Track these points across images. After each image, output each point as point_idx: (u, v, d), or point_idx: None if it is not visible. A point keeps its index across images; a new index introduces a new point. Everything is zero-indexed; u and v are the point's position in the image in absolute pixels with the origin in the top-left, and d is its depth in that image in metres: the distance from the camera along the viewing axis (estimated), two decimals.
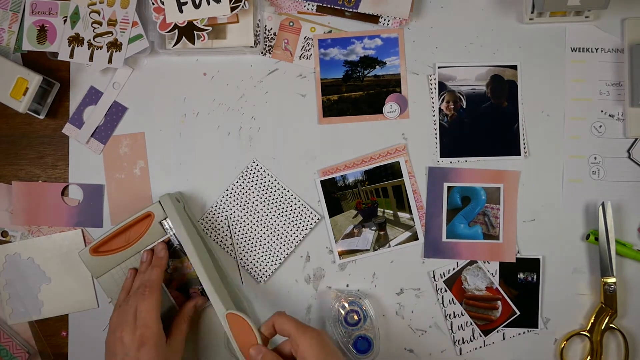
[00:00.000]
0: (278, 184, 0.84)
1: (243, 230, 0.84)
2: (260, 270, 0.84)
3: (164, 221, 0.80)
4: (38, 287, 0.86)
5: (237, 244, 0.84)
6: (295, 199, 0.84)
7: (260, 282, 0.84)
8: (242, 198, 0.84)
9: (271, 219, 0.84)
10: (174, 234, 0.80)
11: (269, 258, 0.84)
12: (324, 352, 0.69)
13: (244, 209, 0.84)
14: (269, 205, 0.84)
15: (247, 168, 0.84)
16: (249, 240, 0.84)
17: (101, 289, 0.83)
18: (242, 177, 0.84)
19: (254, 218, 0.84)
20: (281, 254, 0.84)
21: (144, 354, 0.71)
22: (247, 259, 0.84)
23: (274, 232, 0.84)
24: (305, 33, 0.84)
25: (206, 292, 0.77)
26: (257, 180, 0.84)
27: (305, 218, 0.84)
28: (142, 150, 0.85)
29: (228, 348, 0.79)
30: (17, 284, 0.86)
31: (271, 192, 0.84)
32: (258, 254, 0.84)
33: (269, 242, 0.84)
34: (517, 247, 0.83)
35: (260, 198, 0.84)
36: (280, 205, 0.84)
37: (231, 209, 0.84)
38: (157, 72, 0.86)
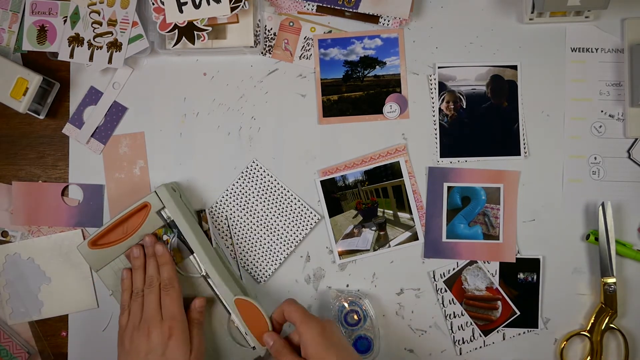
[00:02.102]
0: (278, 184, 0.84)
1: (243, 230, 0.84)
2: (260, 270, 0.84)
3: (162, 211, 0.80)
4: (38, 287, 0.86)
5: (237, 244, 0.84)
6: (295, 199, 0.84)
7: (260, 282, 0.84)
8: (242, 198, 0.84)
9: (271, 219, 0.84)
10: (172, 222, 0.80)
11: (269, 258, 0.84)
12: (324, 344, 0.70)
13: (244, 209, 0.84)
14: (269, 205, 0.84)
15: (247, 168, 0.84)
16: (249, 240, 0.84)
17: (101, 285, 0.83)
18: (242, 177, 0.84)
19: (254, 218, 0.84)
20: (281, 254, 0.84)
21: (172, 344, 0.72)
22: (247, 259, 0.84)
23: (274, 232, 0.84)
24: (305, 33, 0.84)
25: (210, 277, 0.77)
26: (257, 180, 0.84)
27: (305, 218, 0.84)
28: (142, 150, 0.85)
29: (231, 335, 0.79)
30: (17, 284, 0.86)
31: (271, 192, 0.84)
32: (258, 254, 0.84)
33: (269, 242, 0.84)
34: (517, 247, 0.82)
35: (260, 198, 0.84)
36: (280, 205, 0.84)
37: (231, 209, 0.84)
38: (157, 72, 0.86)
